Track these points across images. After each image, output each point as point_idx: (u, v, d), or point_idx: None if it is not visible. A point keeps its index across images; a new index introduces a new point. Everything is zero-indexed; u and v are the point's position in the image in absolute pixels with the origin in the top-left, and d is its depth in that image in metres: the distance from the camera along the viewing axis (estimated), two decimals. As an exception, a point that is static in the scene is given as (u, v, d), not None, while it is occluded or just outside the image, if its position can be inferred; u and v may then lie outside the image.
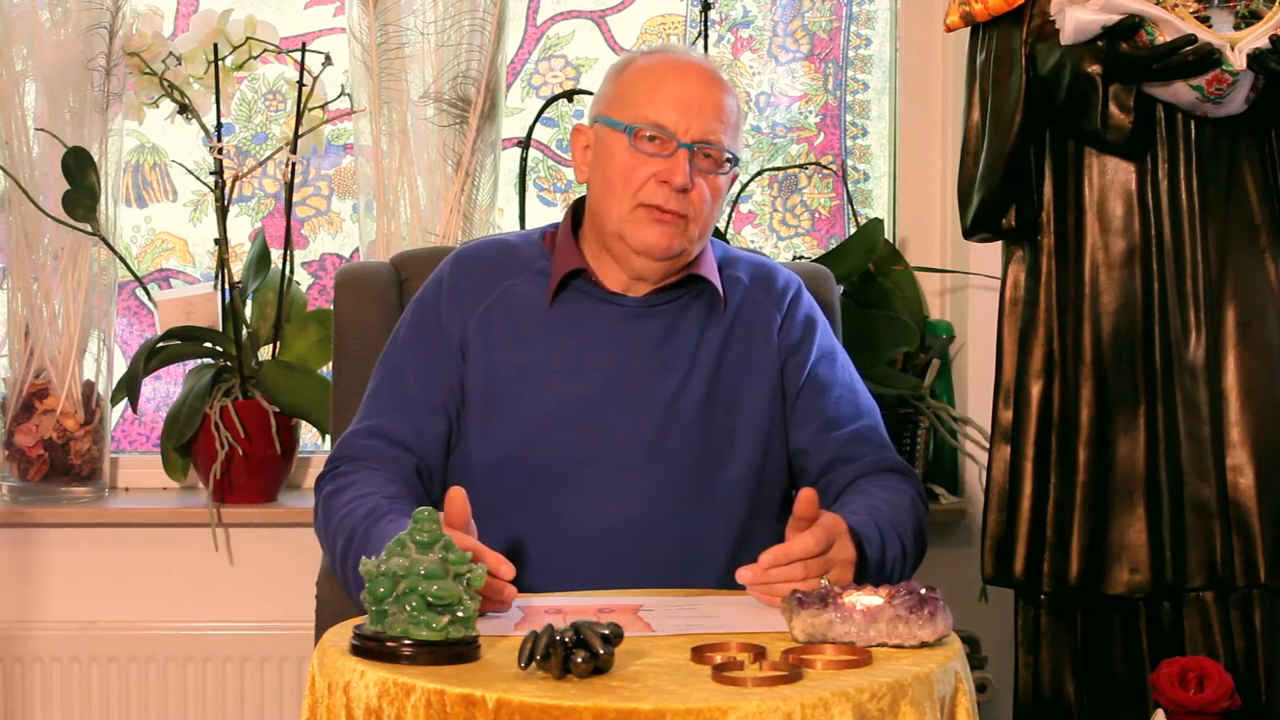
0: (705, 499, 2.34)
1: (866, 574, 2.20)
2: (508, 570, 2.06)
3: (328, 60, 3.33)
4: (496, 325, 2.38)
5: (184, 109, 3.33)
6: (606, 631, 1.80)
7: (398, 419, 2.36)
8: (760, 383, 2.40)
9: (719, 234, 3.25)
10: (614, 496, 2.31)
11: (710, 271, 2.41)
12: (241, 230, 3.53)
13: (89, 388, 3.34)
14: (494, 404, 2.35)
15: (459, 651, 1.85)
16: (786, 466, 2.43)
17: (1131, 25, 2.52)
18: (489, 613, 2.04)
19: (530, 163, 3.43)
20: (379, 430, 2.36)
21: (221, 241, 3.31)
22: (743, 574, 2.13)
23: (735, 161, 2.37)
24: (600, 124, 2.38)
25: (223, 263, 3.31)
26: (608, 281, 2.39)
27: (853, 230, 3.46)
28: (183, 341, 3.32)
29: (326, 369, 3.31)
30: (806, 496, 2.17)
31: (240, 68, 3.35)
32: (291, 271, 3.35)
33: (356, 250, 3.47)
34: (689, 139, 2.32)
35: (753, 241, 3.58)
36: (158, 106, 3.38)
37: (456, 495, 2.11)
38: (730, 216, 3.44)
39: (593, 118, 2.41)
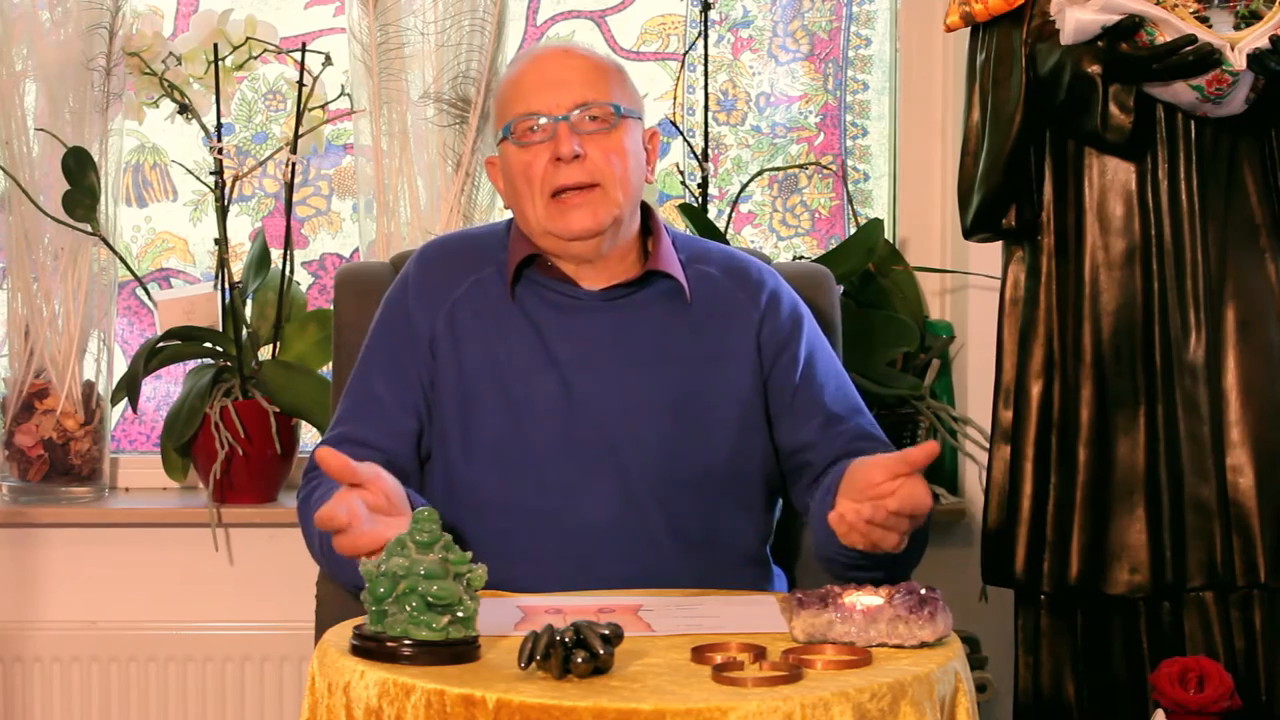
0: (680, 494, 2.33)
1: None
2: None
3: (328, 60, 3.33)
4: (464, 321, 2.38)
5: (184, 109, 3.33)
6: (606, 631, 1.80)
7: (366, 424, 2.37)
8: (736, 376, 2.38)
9: (716, 233, 3.25)
10: (588, 495, 2.31)
11: (669, 264, 2.40)
12: (241, 230, 3.53)
13: (89, 388, 3.34)
14: (467, 407, 2.36)
15: (459, 651, 1.85)
16: (773, 460, 2.42)
17: (1131, 25, 2.52)
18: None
19: (530, 163, 3.43)
20: (347, 437, 2.37)
21: (221, 241, 3.31)
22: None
23: (625, 113, 2.36)
24: (498, 147, 2.40)
25: (223, 263, 3.31)
26: (564, 266, 2.39)
27: (853, 230, 3.46)
28: (183, 341, 3.32)
29: (326, 369, 3.31)
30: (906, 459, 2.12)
31: (240, 68, 3.35)
32: (291, 271, 3.35)
33: (356, 250, 3.47)
34: (562, 111, 2.33)
35: (753, 241, 3.58)
36: (158, 106, 3.38)
37: (325, 455, 2.09)
38: (730, 216, 3.44)
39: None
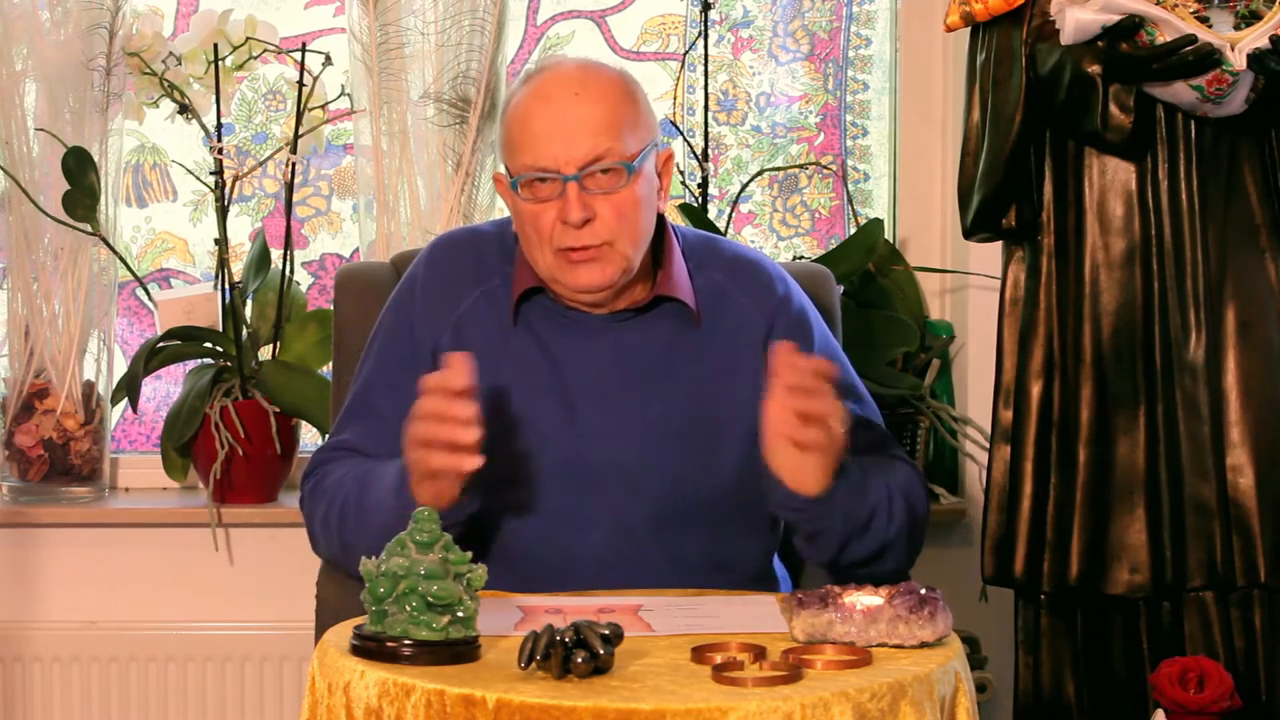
0: (688, 518, 2.31)
1: (844, 483, 2.19)
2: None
3: (328, 60, 3.33)
4: (469, 336, 2.34)
5: (184, 109, 3.33)
6: (606, 631, 1.80)
7: (367, 436, 2.36)
8: (742, 393, 2.33)
9: (715, 228, 3.25)
10: (590, 521, 2.29)
11: (679, 288, 2.35)
12: (241, 230, 3.53)
13: (89, 388, 3.34)
14: None
15: (459, 651, 1.85)
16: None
17: (1131, 25, 2.52)
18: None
19: (530, 163, 3.42)
20: (346, 445, 2.37)
21: (221, 241, 3.31)
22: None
23: (639, 163, 2.26)
24: (503, 174, 2.34)
25: (223, 263, 3.31)
26: (568, 299, 2.35)
27: (853, 230, 3.46)
28: (183, 341, 3.32)
29: (326, 369, 3.31)
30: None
31: (240, 68, 3.35)
32: (291, 271, 3.35)
33: (356, 250, 3.47)
34: (572, 170, 2.23)
35: (753, 241, 3.58)
36: (158, 106, 3.38)
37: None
38: (730, 216, 3.44)
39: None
